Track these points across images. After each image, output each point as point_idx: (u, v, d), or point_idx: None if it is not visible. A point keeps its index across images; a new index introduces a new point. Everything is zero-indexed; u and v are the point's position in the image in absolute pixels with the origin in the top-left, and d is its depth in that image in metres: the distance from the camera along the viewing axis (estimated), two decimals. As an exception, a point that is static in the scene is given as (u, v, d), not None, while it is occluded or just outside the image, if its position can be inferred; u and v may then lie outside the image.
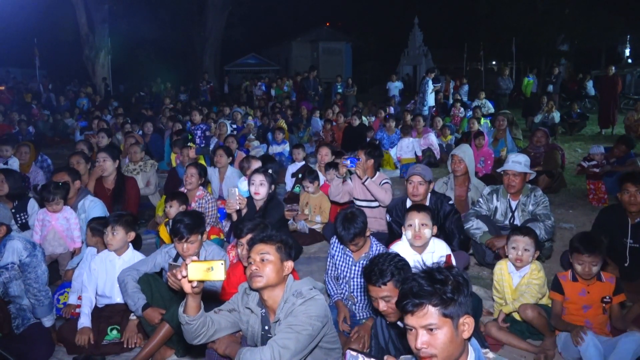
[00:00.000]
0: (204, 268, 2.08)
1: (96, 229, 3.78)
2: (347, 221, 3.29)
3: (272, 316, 2.52)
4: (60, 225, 4.30)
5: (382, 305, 2.54)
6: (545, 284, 3.40)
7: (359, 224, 3.28)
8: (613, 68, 12.57)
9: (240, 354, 2.33)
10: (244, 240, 3.18)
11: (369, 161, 4.82)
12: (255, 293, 2.59)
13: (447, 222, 4.10)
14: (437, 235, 3.61)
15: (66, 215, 4.33)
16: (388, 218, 4.37)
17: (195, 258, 2.16)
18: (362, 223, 3.30)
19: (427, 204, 4.19)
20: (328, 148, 6.52)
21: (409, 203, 4.17)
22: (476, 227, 4.26)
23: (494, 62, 32.82)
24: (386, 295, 2.50)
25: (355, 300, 3.41)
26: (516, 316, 3.37)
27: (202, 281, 2.16)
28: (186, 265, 2.11)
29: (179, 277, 2.15)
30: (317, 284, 2.62)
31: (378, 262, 2.56)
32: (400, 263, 2.57)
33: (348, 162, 4.57)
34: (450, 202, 4.26)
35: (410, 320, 1.74)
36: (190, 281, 2.14)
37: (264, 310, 2.56)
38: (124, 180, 5.27)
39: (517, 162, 4.28)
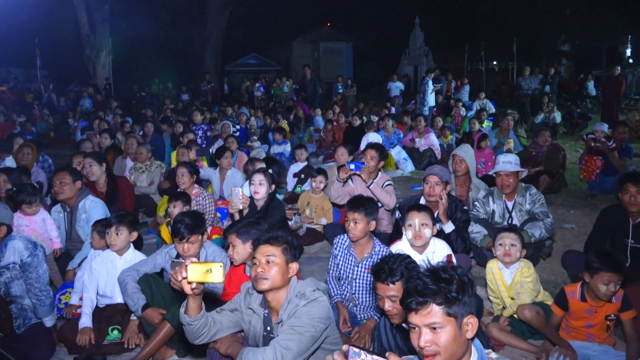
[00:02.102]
0: (203, 270, 2.09)
1: (103, 231, 3.77)
2: (361, 198, 3.44)
3: (275, 317, 2.51)
4: (39, 227, 4.27)
5: (387, 305, 2.54)
6: (537, 281, 3.42)
7: (372, 203, 3.39)
8: (619, 68, 12.50)
9: (242, 353, 2.33)
10: (228, 241, 3.17)
11: (380, 163, 4.87)
12: (259, 294, 2.59)
13: (456, 227, 4.07)
14: (437, 235, 3.61)
15: (43, 217, 4.32)
16: (397, 215, 4.35)
17: (194, 259, 2.16)
18: (375, 206, 3.40)
19: None
20: (345, 148, 6.17)
21: (423, 202, 4.16)
22: (476, 231, 4.26)
23: (494, 62, 32.82)
24: (393, 295, 2.50)
25: (357, 302, 3.39)
26: (517, 316, 3.38)
27: (202, 283, 2.17)
28: (186, 266, 2.12)
29: (179, 278, 2.16)
30: (320, 285, 2.62)
31: (389, 261, 2.57)
32: (411, 265, 2.57)
33: (352, 166, 4.52)
34: (464, 207, 4.22)
35: (414, 318, 1.74)
36: (189, 282, 2.15)
37: (266, 311, 2.56)
38: (115, 182, 5.25)
39: (508, 162, 4.29)
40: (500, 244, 3.41)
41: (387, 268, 2.53)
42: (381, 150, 4.94)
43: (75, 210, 4.37)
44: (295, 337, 2.31)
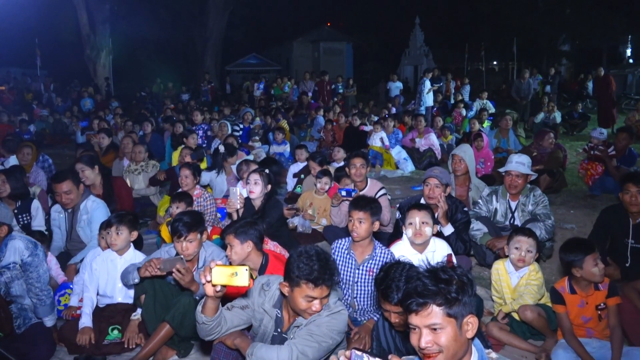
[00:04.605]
0: (228, 273, 2.08)
1: None
2: (366, 198, 3.47)
3: (287, 318, 2.53)
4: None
5: (394, 318, 2.54)
6: (543, 285, 3.40)
7: (376, 203, 3.41)
8: (602, 70, 12.60)
9: (254, 347, 2.34)
10: (226, 241, 3.17)
11: (368, 168, 4.88)
12: (272, 293, 2.58)
13: (456, 230, 4.05)
14: (437, 235, 3.60)
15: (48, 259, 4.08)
16: (398, 215, 4.35)
17: (219, 262, 2.16)
18: (379, 205, 3.44)
19: None
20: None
21: (423, 202, 4.15)
22: (477, 228, 4.26)
23: (495, 62, 32.82)
24: (402, 311, 2.48)
25: (357, 307, 3.36)
26: (517, 316, 3.37)
27: (225, 286, 2.16)
28: (210, 269, 2.11)
29: (203, 280, 2.15)
30: (339, 293, 2.63)
31: (394, 278, 2.51)
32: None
33: (344, 192, 4.50)
34: (465, 209, 4.21)
35: (414, 319, 1.74)
36: (214, 285, 2.14)
37: (279, 312, 2.56)
38: (111, 183, 5.24)
39: (521, 163, 4.28)
40: (517, 248, 3.36)
41: (394, 286, 2.48)
42: (366, 157, 4.94)
43: (77, 211, 4.33)
44: (314, 345, 2.33)
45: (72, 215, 4.38)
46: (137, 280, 3.17)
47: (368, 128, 9.48)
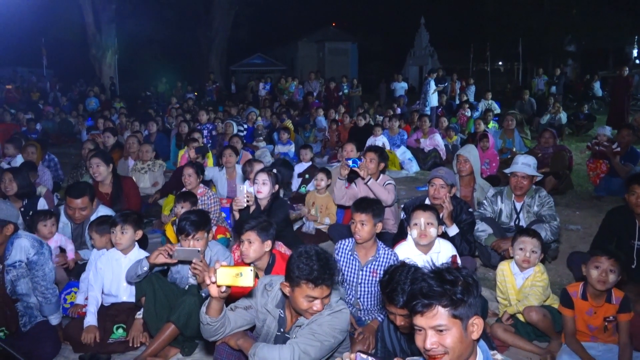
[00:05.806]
0: (233, 273, 2.08)
1: (103, 229, 3.75)
2: (368, 199, 3.45)
3: (289, 318, 2.53)
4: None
5: (399, 320, 2.54)
6: (549, 286, 3.39)
7: (378, 204, 3.39)
8: (627, 69, 12.49)
9: (257, 347, 2.34)
10: (244, 237, 3.17)
11: (380, 165, 4.85)
12: (275, 293, 2.58)
13: (461, 230, 4.04)
14: (442, 236, 3.60)
15: (58, 244, 4.12)
16: (402, 216, 4.34)
17: (224, 263, 2.17)
18: (382, 207, 3.41)
19: None
20: (353, 144, 6.01)
21: (428, 203, 4.15)
22: (481, 229, 4.24)
23: (500, 63, 32.72)
24: (407, 314, 2.48)
25: (361, 306, 3.36)
26: (522, 318, 3.36)
27: (230, 286, 2.16)
28: (215, 270, 2.12)
29: (208, 282, 2.16)
30: (342, 292, 2.62)
31: (399, 281, 2.49)
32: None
33: (350, 162, 4.54)
34: (470, 209, 4.19)
35: (420, 320, 1.74)
36: (219, 286, 2.15)
37: (281, 311, 2.56)
38: (120, 182, 5.21)
39: (527, 165, 4.26)
40: (521, 249, 3.34)
41: (400, 289, 2.46)
42: (380, 153, 4.92)
43: (87, 223, 4.19)
44: (316, 344, 2.33)
45: (82, 227, 4.29)
46: (145, 269, 3.17)
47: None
